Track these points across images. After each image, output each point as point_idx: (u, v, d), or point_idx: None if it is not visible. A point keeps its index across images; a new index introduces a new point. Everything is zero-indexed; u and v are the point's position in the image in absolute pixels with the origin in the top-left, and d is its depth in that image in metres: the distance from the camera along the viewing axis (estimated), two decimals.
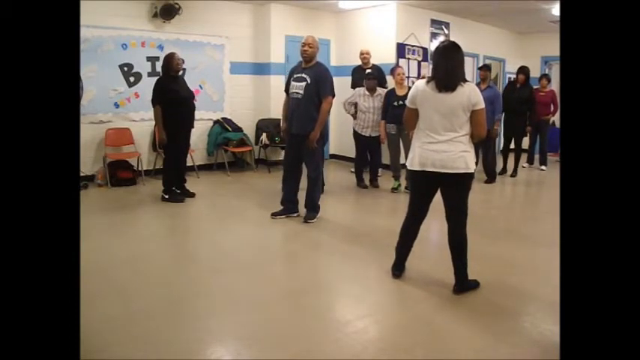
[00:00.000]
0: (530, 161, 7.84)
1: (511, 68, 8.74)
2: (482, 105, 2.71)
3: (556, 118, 9.26)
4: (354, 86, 6.40)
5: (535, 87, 7.36)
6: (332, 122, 7.38)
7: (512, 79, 7.15)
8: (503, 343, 2.36)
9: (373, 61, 6.60)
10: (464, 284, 2.90)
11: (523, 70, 6.84)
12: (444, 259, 3.09)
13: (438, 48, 2.86)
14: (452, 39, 7.43)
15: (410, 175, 2.95)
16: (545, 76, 7.60)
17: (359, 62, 6.74)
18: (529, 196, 6.31)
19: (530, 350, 2.31)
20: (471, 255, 2.89)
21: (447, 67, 2.73)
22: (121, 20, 5.97)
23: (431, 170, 2.78)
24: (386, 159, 6.97)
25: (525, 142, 7.47)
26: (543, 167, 7.58)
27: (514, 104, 6.57)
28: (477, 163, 2.84)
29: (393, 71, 5.94)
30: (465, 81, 2.72)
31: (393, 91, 5.58)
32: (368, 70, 6.36)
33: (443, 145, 2.73)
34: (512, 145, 7.08)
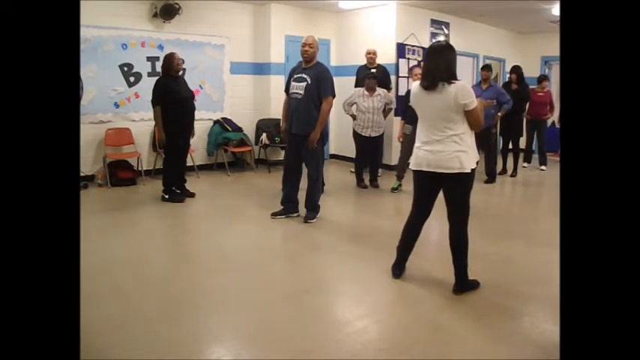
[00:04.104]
0: (528, 160, 7.85)
1: None
2: (473, 105, 2.66)
3: (557, 118, 9.27)
4: (358, 85, 6.40)
5: (532, 87, 7.40)
6: (332, 122, 7.37)
7: (508, 80, 7.21)
8: (503, 343, 2.36)
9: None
10: (464, 284, 2.90)
11: (515, 70, 6.93)
12: (444, 259, 3.09)
13: (426, 50, 2.88)
14: (452, 39, 7.53)
15: (413, 175, 2.97)
16: (545, 77, 7.64)
17: (359, 62, 6.74)
18: (529, 196, 6.31)
19: (530, 350, 2.31)
20: (471, 255, 2.89)
21: (427, 67, 2.75)
22: (121, 20, 5.97)
23: (426, 170, 2.78)
24: (387, 159, 7.00)
25: (524, 142, 7.52)
26: (543, 167, 7.60)
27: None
28: (477, 163, 2.82)
29: (411, 71, 5.99)
30: (453, 81, 2.66)
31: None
32: (372, 70, 6.36)
33: (437, 145, 2.74)
34: (510, 146, 7.10)
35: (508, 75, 7.16)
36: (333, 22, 7.79)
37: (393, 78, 6.93)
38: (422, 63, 7.26)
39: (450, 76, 2.67)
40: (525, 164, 7.80)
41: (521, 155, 7.65)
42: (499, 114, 6.13)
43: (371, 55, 6.49)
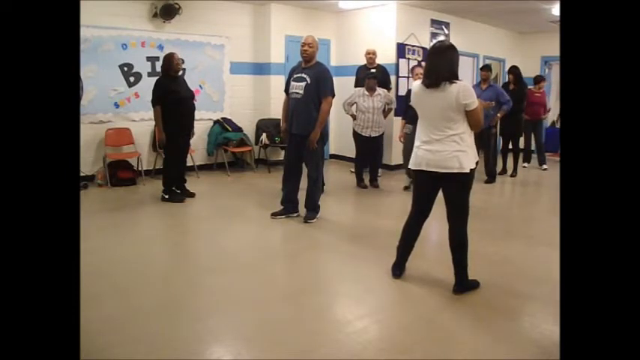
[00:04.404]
0: (528, 160, 7.87)
1: None
2: (474, 105, 2.67)
3: (557, 118, 9.29)
4: (357, 86, 6.40)
5: (530, 87, 7.45)
6: (332, 122, 7.37)
7: (507, 81, 7.25)
8: (503, 343, 2.36)
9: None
10: (464, 284, 2.90)
11: (512, 70, 6.98)
12: (444, 259, 3.09)
13: (428, 49, 2.88)
14: (452, 39, 7.54)
15: (412, 174, 2.97)
16: (542, 77, 7.69)
17: (359, 62, 6.74)
18: (529, 196, 6.31)
19: (530, 350, 2.31)
20: (471, 255, 2.89)
21: (430, 66, 2.75)
22: (121, 20, 5.97)
23: (426, 169, 2.79)
24: (387, 159, 6.99)
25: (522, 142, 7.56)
26: (545, 166, 7.64)
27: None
28: (477, 163, 2.82)
29: (412, 70, 6.00)
30: (455, 80, 2.67)
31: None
32: (372, 70, 6.36)
33: (437, 144, 2.74)
34: (510, 146, 7.12)
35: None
36: (333, 22, 7.79)
37: (393, 78, 6.93)
38: (423, 62, 7.29)
39: (452, 76, 2.68)
40: (525, 164, 7.81)
41: (521, 155, 7.69)
42: (498, 115, 6.13)
43: (370, 55, 6.49)
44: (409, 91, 5.67)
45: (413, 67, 6.26)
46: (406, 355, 2.25)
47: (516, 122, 6.89)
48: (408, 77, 6.99)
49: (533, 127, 7.52)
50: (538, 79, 7.62)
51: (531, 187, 6.64)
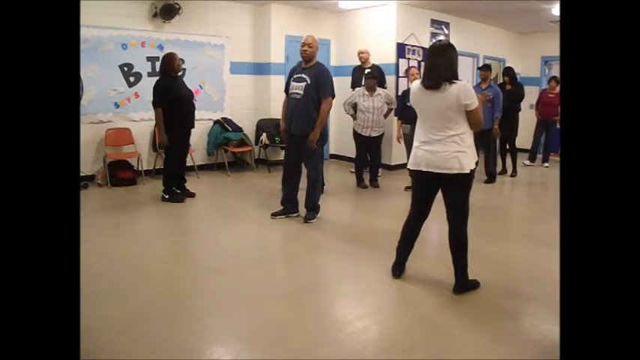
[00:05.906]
0: (532, 159, 7.91)
1: None
2: (475, 105, 2.65)
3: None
4: (353, 86, 6.40)
5: (543, 88, 7.54)
6: (332, 122, 7.37)
7: (503, 82, 7.29)
8: (503, 343, 2.36)
9: (373, 61, 6.61)
10: (464, 284, 2.90)
11: (507, 72, 7.08)
12: (444, 259, 3.09)
13: (427, 49, 2.87)
14: (452, 39, 7.53)
15: (411, 174, 2.97)
16: (554, 78, 7.72)
17: (359, 62, 6.75)
18: (529, 196, 6.31)
19: (530, 350, 2.31)
20: (471, 255, 2.89)
21: (430, 66, 2.73)
22: (121, 20, 5.97)
23: (425, 170, 2.78)
24: (387, 159, 6.99)
25: (523, 142, 7.60)
26: (546, 164, 7.78)
27: (504, 105, 6.61)
28: (477, 163, 2.82)
29: (407, 71, 6.01)
30: (455, 81, 2.66)
31: (409, 90, 5.59)
32: (367, 70, 6.36)
33: (436, 145, 2.73)
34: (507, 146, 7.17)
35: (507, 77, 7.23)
36: (333, 22, 7.79)
37: (393, 78, 6.94)
38: (421, 63, 7.29)
39: (452, 76, 2.67)
40: (528, 162, 7.87)
41: (524, 155, 7.76)
42: (495, 126, 6.11)
43: (363, 54, 6.51)
44: (406, 91, 5.68)
45: (408, 68, 6.25)
46: (406, 355, 2.25)
47: (511, 123, 6.89)
48: (406, 77, 7.00)
49: (546, 125, 7.68)
50: (550, 80, 7.73)
51: (531, 187, 6.64)
